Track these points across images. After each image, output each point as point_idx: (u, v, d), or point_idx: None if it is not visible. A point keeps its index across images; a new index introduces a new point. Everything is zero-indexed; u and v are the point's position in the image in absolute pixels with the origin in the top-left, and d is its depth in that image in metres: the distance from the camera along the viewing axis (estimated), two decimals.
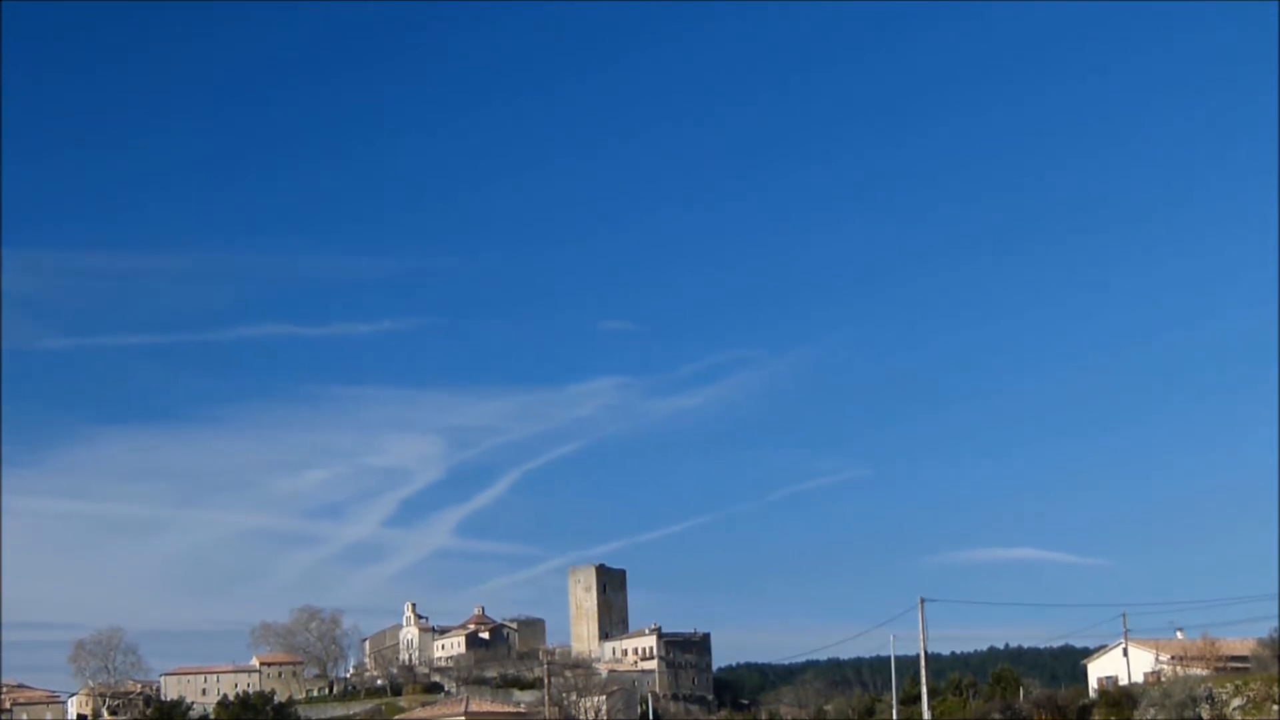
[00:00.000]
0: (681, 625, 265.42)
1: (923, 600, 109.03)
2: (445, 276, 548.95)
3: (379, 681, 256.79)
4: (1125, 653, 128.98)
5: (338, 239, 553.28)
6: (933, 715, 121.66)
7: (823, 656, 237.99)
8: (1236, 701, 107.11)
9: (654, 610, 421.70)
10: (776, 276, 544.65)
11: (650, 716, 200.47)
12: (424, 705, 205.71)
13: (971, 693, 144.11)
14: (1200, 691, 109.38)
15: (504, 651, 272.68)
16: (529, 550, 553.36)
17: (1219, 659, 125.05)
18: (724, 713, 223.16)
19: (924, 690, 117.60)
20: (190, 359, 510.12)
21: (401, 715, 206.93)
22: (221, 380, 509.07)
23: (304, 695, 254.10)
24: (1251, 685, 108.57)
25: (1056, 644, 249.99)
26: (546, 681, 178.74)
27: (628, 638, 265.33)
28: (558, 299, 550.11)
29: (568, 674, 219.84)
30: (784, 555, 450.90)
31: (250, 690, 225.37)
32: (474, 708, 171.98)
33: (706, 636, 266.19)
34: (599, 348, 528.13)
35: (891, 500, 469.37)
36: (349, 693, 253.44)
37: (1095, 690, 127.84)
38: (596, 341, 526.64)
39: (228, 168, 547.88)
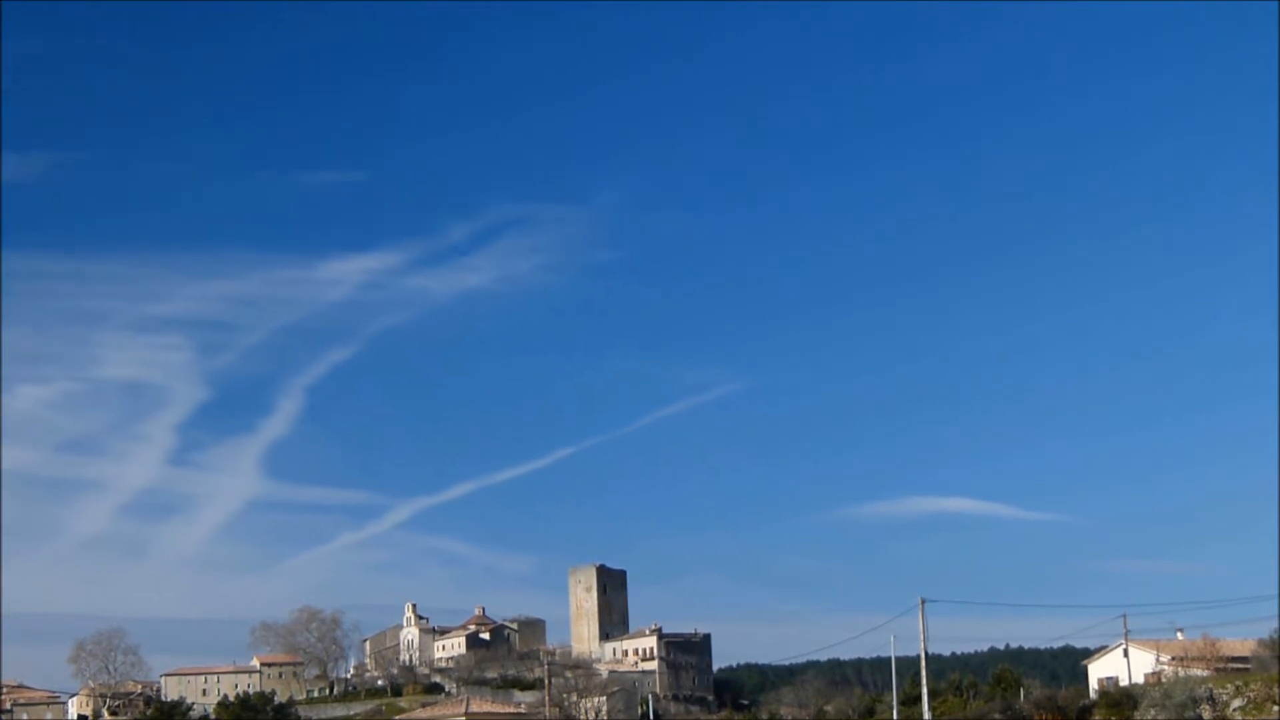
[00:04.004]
0: (680, 624, 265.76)
1: (923, 600, 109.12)
2: (83, 84, 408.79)
3: (379, 682, 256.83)
4: (1126, 653, 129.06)
5: None
6: (933, 715, 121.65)
7: (823, 656, 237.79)
8: (1237, 702, 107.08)
9: (651, 608, 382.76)
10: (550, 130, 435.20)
11: (650, 717, 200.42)
12: (424, 706, 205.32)
13: (972, 693, 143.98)
14: (1201, 692, 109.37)
15: (504, 652, 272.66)
16: (361, 497, 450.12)
17: (1219, 659, 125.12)
18: (724, 713, 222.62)
19: (924, 690, 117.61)
20: None
21: (402, 716, 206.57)
22: None
23: (304, 695, 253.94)
24: (1252, 686, 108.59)
25: (1057, 644, 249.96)
26: (547, 682, 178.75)
27: (628, 638, 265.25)
28: (255, 137, 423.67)
29: (568, 674, 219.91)
30: (671, 503, 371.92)
31: (250, 690, 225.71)
32: (474, 708, 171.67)
33: (707, 637, 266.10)
34: (320, 203, 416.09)
35: (783, 423, 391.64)
36: (349, 693, 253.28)
37: (1096, 691, 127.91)
38: (315, 195, 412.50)
39: None
